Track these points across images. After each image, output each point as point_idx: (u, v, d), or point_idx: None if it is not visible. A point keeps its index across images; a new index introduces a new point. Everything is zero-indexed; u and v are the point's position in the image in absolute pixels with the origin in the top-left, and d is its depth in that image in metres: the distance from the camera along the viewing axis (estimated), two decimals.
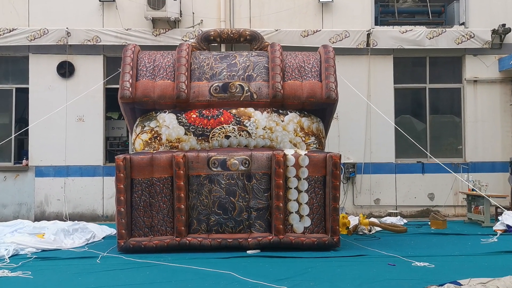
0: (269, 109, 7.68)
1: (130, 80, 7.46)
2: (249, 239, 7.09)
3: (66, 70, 11.10)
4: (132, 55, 7.65)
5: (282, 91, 7.55)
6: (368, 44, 11.26)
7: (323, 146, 7.90)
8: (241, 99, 7.60)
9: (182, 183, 7.07)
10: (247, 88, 7.62)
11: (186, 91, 7.49)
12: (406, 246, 7.56)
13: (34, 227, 8.22)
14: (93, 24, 11.16)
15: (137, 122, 7.76)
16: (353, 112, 11.21)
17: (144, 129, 7.63)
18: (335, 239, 7.14)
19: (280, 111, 7.72)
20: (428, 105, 11.64)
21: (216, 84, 7.61)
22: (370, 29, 11.27)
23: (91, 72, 11.14)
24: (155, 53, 8.00)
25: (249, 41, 8.43)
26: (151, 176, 7.16)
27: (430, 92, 11.67)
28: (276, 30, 11.09)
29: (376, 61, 11.43)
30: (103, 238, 8.45)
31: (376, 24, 11.66)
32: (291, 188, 7.23)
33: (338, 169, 7.18)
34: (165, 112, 7.64)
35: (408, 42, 11.30)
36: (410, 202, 11.33)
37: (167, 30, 11.10)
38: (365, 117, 11.38)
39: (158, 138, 7.53)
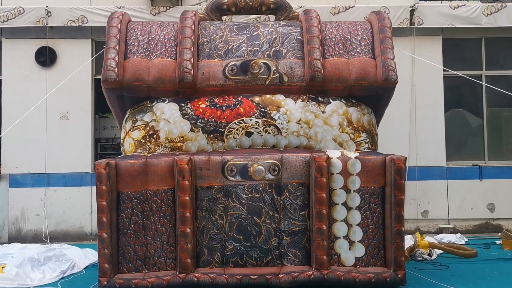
0: (304, 96, 5.71)
1: (117, 58, 5.52)
2: (281, 275, 5.13)
3: (46, 58, 9.21)
4: (119, 25, 5.71)
5: (322, 71, 5.58)
6: (411, 23, 9.31)
7: (376, 146, 5.94)
8: (267, 82, 5.65)
9: (187, 197, 5.12)
10: (274, 68, 5.65)
11: (192, 72, 5.54)
12: (496, 281, 5.57)
13: None
14: (79, 1, 9.27)
15: (127, 115, 5.82)
16: (394, 104, 9.16)
17: (136, 125, 5.68)
18: (399, 275, 5.16)
19: (320, 99, 5.75)
20: (485, 96, 9.65)
21: (233, 62, 5.65)
22: (414, 4, 9.32)
23: (76, 60, 9.17)
24: (150, 23, 6.06)
25: (273, 10, 6.49)
26: (145, 189, 5.21)
27: (487, 80, 9.66)
28: (300, 7, 9.14)
29: (422, 43, 9.45)
30: (86, 268, 6.51)
31: None
32: (338, 204, 5.27)
33: (403, 177, 5.22)
34: (164, 101, 5.69)
35: (460, 20, 9.31)
36: (466, 215, 9.32)
37: (168, 7, 9.22)
38: (409, 110, 9.42)
39: (155, 136, 5.58)
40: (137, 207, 5.22)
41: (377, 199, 5.30)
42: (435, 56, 9.47)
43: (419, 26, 9.31)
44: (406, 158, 5.27)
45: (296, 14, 6.46)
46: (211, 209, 5.24)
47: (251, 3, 6.45)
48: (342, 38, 5.81)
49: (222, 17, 6.52)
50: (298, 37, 5.81)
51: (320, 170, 5.18)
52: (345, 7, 9.27)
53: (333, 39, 5.80)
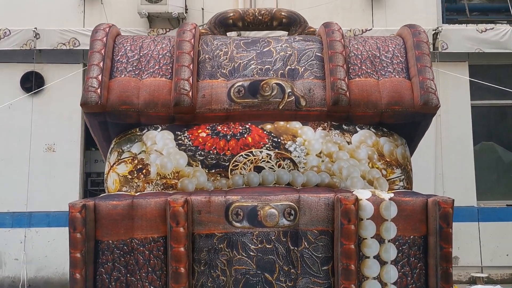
0: (326, 124, 4.78)
1: (100, 77, 4.62)
2: None
3: (32, 84, 8.43)
4: (105, 39, 4.83)
5: (347, 93, 4.65)
6: (435, 47, 8.55)
7: (411, 184, 4.95)
8: (281, 107, 4.72)
9: (182, 248, 4.11)
10: (289, 90, 4.74)
11: (191, 93, 4.62)
12: None
13: None
14: (71, 22, 8.60)
15: (111, 146, 4.88)
16: None
17: (122, 157, 4.72)
18: None
19: (345, 127, 4.80)
20: None
21: (240, 83, 4.74)
22: (437, 28, 8.58)
23: (66, 86, 8.47)
24: (142, 37, 5.17)
25: (286, 25, 5.64)
26: (130, 237, 4.22)
27: None
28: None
29: (446, 69, 8.65)
30: None
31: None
32: (369, 258, 4.25)
33: (451, 225, 4.20)
34: (156, 128, 4.76)
35: (489, 45, 8.58)
36: (501, 262, 8.29)
37: (167, 30, 8.46)
38: (434, 143, 8.51)
39: (144, 171, 4.62)
40: (120, 260, 4.21)
41: (418, 252, 4.28)
42: (462, 83, 8.68)
43: (443, 51, 8.56)
44: (453, 200, 4.27)
45: (312, 29, 5.59)
46: (211, 262, 4.23)
47: (260, 17, 5.60)
48: (370, 55, 4.90)
49: (227, 33, 5.67)
50: (317, 53, 4.91)
51: (347, 215, 4.17)
52: (362, 29, 8.52)
53: (359, 56, 4.90)
